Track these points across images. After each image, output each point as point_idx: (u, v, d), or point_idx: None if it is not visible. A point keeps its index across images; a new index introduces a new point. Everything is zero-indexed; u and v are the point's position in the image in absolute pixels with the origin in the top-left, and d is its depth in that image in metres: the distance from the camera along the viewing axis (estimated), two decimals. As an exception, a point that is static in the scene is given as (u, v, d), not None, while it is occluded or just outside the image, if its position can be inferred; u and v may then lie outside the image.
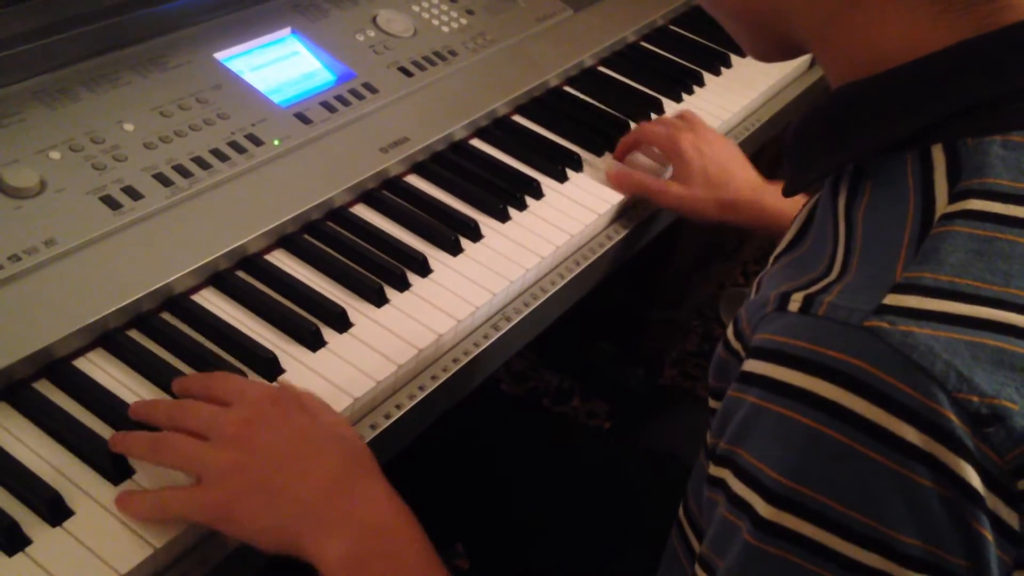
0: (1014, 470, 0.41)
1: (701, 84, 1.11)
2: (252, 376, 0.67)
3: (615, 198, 0.91)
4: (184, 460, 0.57)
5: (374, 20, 0.97)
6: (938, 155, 0.46)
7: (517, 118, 0.99)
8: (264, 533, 0.55)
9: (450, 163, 0.90)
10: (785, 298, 0.46)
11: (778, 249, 0.56)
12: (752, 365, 0.46)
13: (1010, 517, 0.42)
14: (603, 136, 0.98)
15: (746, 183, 0.90)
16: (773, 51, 0.58)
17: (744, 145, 1.04)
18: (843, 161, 0.51)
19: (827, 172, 0.53)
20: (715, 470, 0.48)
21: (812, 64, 1.20)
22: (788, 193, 0.57)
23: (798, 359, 0.44)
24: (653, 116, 1.03)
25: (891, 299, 0.43)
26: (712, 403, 0.57)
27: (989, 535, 0.42)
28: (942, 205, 0.45)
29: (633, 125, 1.01)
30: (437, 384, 0.73)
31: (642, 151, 0.96)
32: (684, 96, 1.08)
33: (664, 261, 1.52)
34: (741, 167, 0.92)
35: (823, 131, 0.53)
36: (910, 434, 0.41)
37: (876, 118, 0.49)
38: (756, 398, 0.45)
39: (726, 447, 0.47)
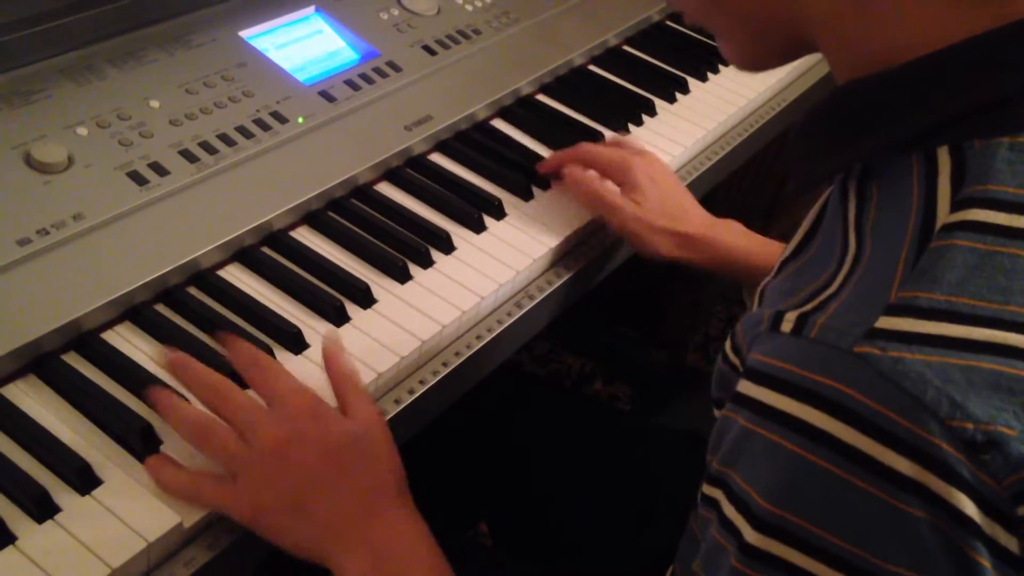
0: (1013, 496, 0.40)
1: (727, 63, 1.09)
2: (278, 351, 0.67)
3: (639, 177, 0.90)
4: (224, 457, 0.58)
5: (398, -2, 0.97)
6: (943, 158, 0.45)
7: (541, 97, 0.99)
8: (292, 546, 0.58)
9: (474, 142, 0.90)
10: (779, 318, 0.44)
11: (785, 254, 0.54)
12: (744, 387, 0.45)
13: (1009, 542, 0.41)
14: (628, 115, 0.97)
15: (699, 218, 0.84)
16: (769, 56, 0.55)
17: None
18: (850, 160, 0.49)
19: (835, 171, 0.51)
20: (708, 489, 0.48)
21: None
22: (796, 193, 0.55)
23: (787, 384, 0.42)
24: (678, 96, 1.03)
25: (883, 322, 0.41)
26: (716, 413, 0.57)
27: (987, 562, 0.40)
28: (943, 214, 0.43)
29: (658, 103, 1.00)
30: (461, 360, 0.73)
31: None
32: (709, 75, 1.07)
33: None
34: (692, 203, 0.85)
35: (830, 128, 0.51)
36: (901, 464, 0.40)
37: (883, 116, 0.47)
38: (746, 421, 0.44)
39: (719, 468, 0.47)
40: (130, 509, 0.56)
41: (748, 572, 0.44)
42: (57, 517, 0.55)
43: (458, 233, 0.80)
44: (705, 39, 1.13)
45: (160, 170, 0.73)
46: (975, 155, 0.44)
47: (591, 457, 0.90)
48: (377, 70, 0.89)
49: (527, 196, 0.86)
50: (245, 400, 0.59)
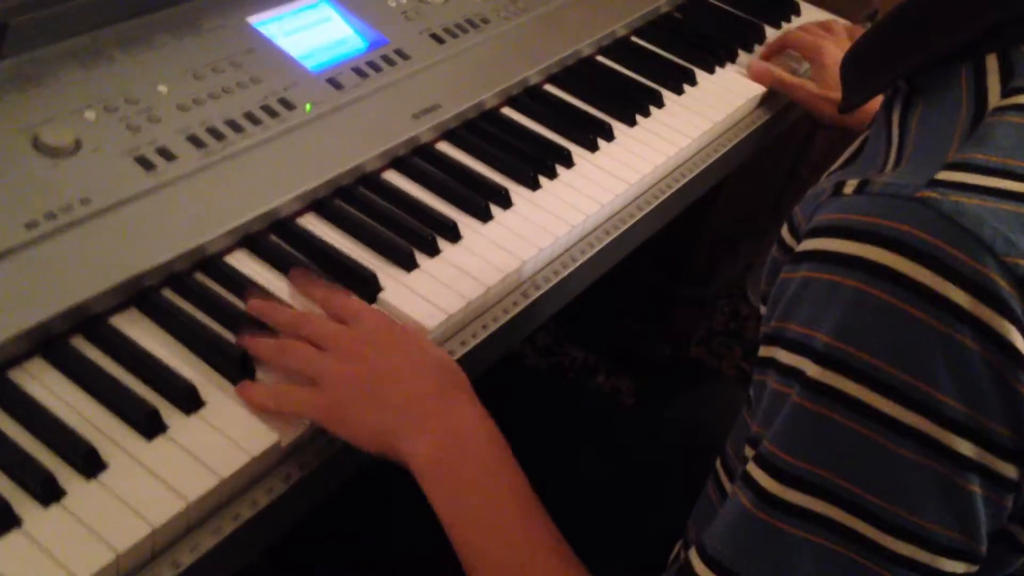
0: None
1: (735, 57, 1.09)
2: (283, 337, 0.67)
3: (646, 168, 0.90)
4: (306, 364, 0.62)
5: (407, -13, 0.97)
6: (991, 63, 0.48)
7: (549, 87, 0.98)
8: (367, 434, 0.60)
9: (481, 131, 0.90)
10: (840, 185, 0.48)
11: (831, 169, 0.57)
12: (805, 244, 0.48)
13: None
14: (635, 106, 0.97)
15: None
16: None
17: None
18: (897, 75, 0.53)
19: (882, 87, 0.55)
20: (764, 351, 0.50)
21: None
22: (844, 109, 0.59)
23: (850, 230, 0.45)
24: (686, 87, 1.02)
25: (943, 175, 0.44)
26: (764, 310, 0.58)
27: None
28: (994, 101, 0.47)
29: (666, 95, 1.00)
30: (467, 350, 0.73)
31: (784, 56, 1.09)
32: (717, 68, 1.07)
33: (692, 239, 1.51)
34: None
35: (878, 49, 0.55)
36: (958, 296, 0.42)
37: (932, 31, 0.51)
38: (807, 271, 0.47)
39: (775, 325, 0.49)
40: (138, 491, 0.56)
41: (808, 407, 0.46)
42: (105, 476, 0.56)
43: (465, 222, 0.80)
44: (714, 33, 1.12)
45: (167, 155, 0.72)
46: (1021, 57, 0.48)
47: (594, 449, 0.90)
48: (385, 58, 0.89)
49: (535, 186, 0.86)
50: (324, 320, 0.65)
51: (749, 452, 0.50)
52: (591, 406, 1.05)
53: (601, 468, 0.89)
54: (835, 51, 1.00)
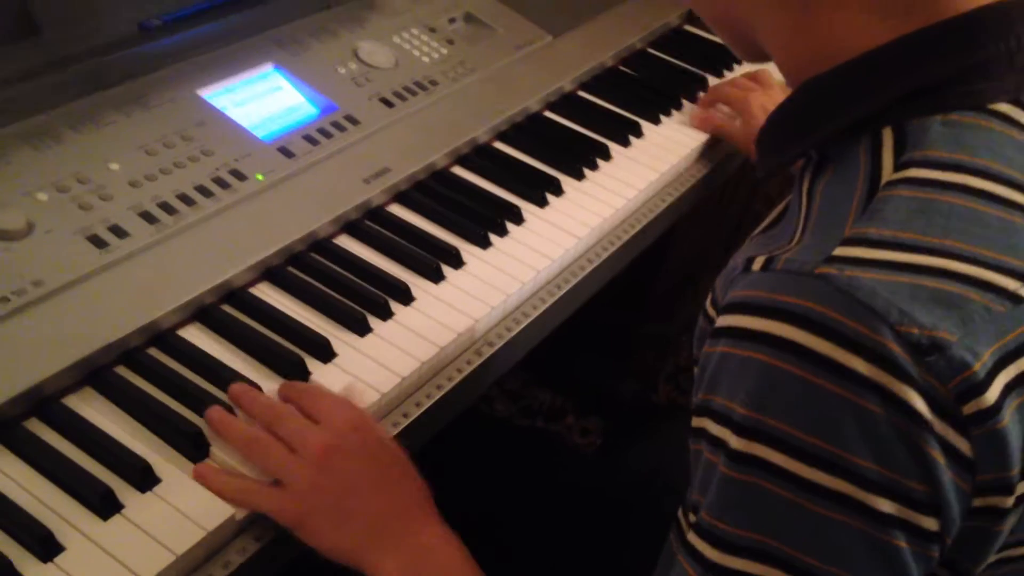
0: (957, 396, 0.45)
1: (679, 107, 1.12)
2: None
3: (594, 221, 0.93)
4: (274, 466, 0.64)
5: (355, 53, 0.99)
6: (887, 135, 0.51)
7: (498, 144, 1.01)
8: (332, 546, 0.63)
9: (431, 191, 0.92)
10: (750, 261, 0.51)
11: (754, 232, 0.61)
12: (721, 319, 0.51)
13: (961, 444, 0.45)
14: (583, 160, 0.99)
15: None
16: (750, 54, 0.63)
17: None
18: (808, 146, 0.56)
19: (794, 156, 0.58)
20: (696, 421, 0.53)
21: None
22: (760, 175, 0.62)
23: (757, 307, 0.48)
24: (632, 139, 1.05)
25: (840, 251, 0.47)
26: (696, 371, 0.60)
27: (940, 458, 0.45)
28: (887, 174, 0.50)
29: (613, 147, 1.03)
30: (421, 411, 0.74)
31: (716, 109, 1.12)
32: (662, 118, 1.10)
33: (653, 277, 1.53)
34: None
35: (790, 120, 0.58)
36: (860, 365, 0.45)
37: (836, 105, 0.54)
38: (724, 347, 0.50)
39: (702, 397, 0.52)
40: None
41: (735, 476, 0.48)
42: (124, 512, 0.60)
43: (417, 283, 0.82)
44: (658, 84, 1.15)
45: (120, 232, 0.74)
46: (913, 130, 0.51)
47: (554, 501, 0.91)
48: (336, 124, 0.91)
49: (485, 244, 0.88)
50: (297, 418, 0.66)
51: (692, 517, 0.52)
52: (555, 451, 1.06)
53: (560, 517, 0.90)
54: (763, 100, 1.05)
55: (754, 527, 0.48)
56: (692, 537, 0.51)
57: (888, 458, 0.45)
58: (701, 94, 1.15)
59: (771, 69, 1.12)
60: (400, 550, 0.62)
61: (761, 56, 0.61)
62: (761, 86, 1.08)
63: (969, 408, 0.45)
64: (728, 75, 1.20)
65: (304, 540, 0.63)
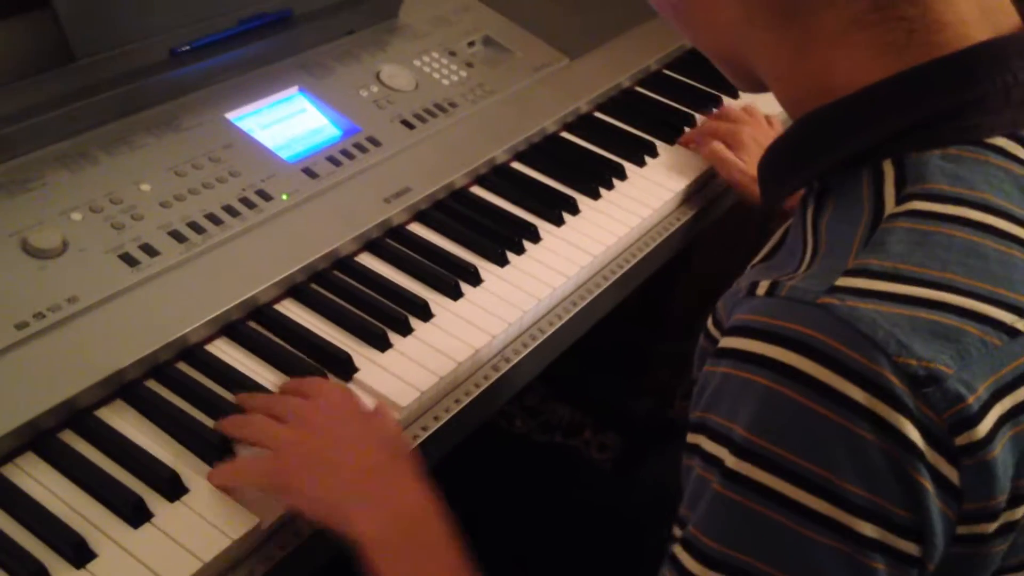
0: (951, 427, 0.46)
1: (693, 126, 1.14)
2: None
3: (609, 240, 0.95)
4: (260, 435, 0.66)
5: (377, 76, 1.02)
6: (888, 168, 0.53)
7: (516, 165, 1.03)
8: (315, 503, 0.64)
9: (450, 210, 0.94)
10: (755, 285, 0.53)
11: (755, 260, 0.62)
12: (724, 341, 0.52)
13: (951, 473, 0.47)
14: (599, 180, 1.02)
15: None
16: (748, 85, 0.64)
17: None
18: (809, 177, 0.58)
19: (796, 186, 0.59)
20: (691, 437, 0.54)
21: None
22: (764, 204, 0.64)
23: (761, 331, 0.49)
24: (647, 159, 1.07)
25: (842, 281, 0.49)
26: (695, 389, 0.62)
27: (929, 486, 0.47)
28: (890, 208, 0.51)
29: (628, 167, 1.05)
30: (439, 425, 0.76)
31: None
32: (677, 139, 1.12)
33: (669, 296, 1.55)
34: None
35: (791, 152, 0.60)
36: (856, 393, 0.46)
37: (835, 138, 0.56)
38: (727, 368, 0.51)
39: (700, 415, 0.53)
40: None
41: (727, 495, 0.50)
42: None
43: (436, 300, 0.84)
44: (674, 104, 1.18)
45: (151, 251, 0.77)
46: (913, 164, 0.52)
47: (568, 516, 0.92)
48: (358, 145, 0.94)
49: (503, 262, 0.90)
50: (289, 399, 0.69)
51: (678, 532, 0.54)
52: (572, 466, 1.07)
53: (574, 533, 0.91)
54: (754, 135, 1.05)
55: (738, 545, 0.49)
56: (677, 549, 0.52)
57: (876, 484, 0.46)
58: (676, 138, 1.13)
59: (762, 100, 1.11)
60: (377, 510, 0.63)
61: (759, 87, 0.62)
62: (752, 119, 1.09)
63: (961, 439, 0.46)
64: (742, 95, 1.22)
65: (284, 499, 0.64)
